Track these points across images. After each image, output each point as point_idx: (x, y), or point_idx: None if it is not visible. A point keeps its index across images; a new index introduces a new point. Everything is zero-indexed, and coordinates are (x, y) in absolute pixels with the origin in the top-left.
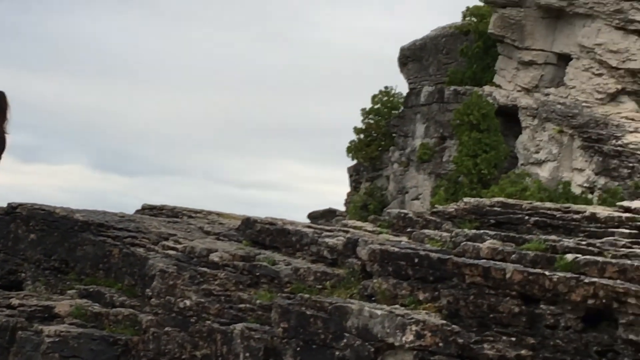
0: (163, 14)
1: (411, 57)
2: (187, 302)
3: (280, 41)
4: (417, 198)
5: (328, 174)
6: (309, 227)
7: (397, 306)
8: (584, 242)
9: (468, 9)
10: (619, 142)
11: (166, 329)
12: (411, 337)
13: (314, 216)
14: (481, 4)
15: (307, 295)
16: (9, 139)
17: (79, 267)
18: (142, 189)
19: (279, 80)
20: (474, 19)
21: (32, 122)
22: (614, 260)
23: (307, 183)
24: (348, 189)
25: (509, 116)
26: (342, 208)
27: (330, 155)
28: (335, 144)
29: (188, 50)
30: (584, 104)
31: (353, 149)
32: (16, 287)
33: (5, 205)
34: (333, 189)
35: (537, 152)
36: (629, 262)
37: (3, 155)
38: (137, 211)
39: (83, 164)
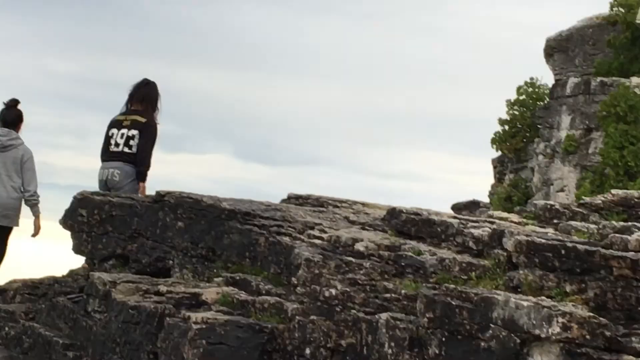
0: (304, 5)
1: (557, 48)
2: (333, 291)
3: (421, 32)
4: (562, 190)
5: (471, 166)
6: (454, 217)
7: (543, 298)
8: None
9: None
10: None
11: (311, 317)
12: (558, 329)
13: (457, 207)
14: None
15: (452, 286)
16: (160, 128)
17: (225, 255)
18: (286, 179)
19: (422, 71)
20: (622, 10)
21: (177, 111)
22: None
23: (450, 174)
24: (492, 181)
25: None
26: (486, 200)
27: (474, 147)
28: (478, 136)
29: (331, 41)
30: None
31: (497, 140)
32: (164, 274)
33: (153, 193)
34: (476, 180)
35: None
36: None
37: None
38: (283, 200)
39: (227, 154)
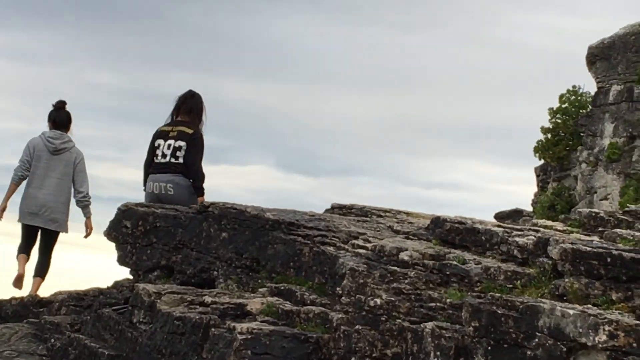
0: (347, 15)
1: (599, 56)
2: (378, 301)
3: (462, 41)
4: (605, 198)
5: (514, 174)
6: (499, 226)
7: (589, 306)
8: None
9: None
10: None
11: (357, 327)
12: (604, 337)
13: (500, 216)
14: None
15: (498, 295)
16: (205, 139)
17: (269, 265)
18: (328, 189)
19: (464, 80)
20: None
21: (219, 123)
22: None
23: (492, 183)
24: (535, 189)
25: None
26: (529, 208)
27: (517, 156)
28: (521, 144)
29: (373, 51)
30: None
31: (540, 149)
32: (208, 285)
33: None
34: (519, 189)
35: None
36: None
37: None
38: (327, 210)
39: (269, 165)
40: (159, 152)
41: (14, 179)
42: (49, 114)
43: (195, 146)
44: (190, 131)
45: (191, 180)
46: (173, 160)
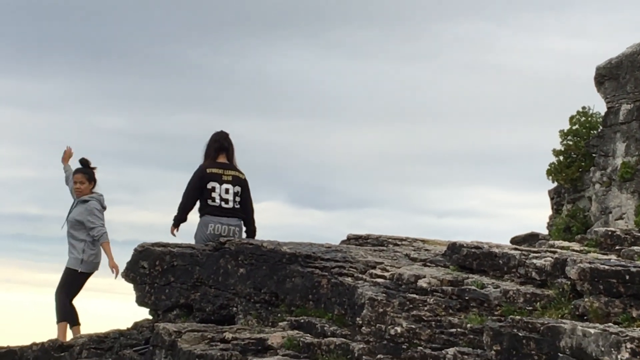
0: (351, 49)
1: (607, 76)
2: (398, 329)
3: (469, 69)
4: (620, 217)
5: (527, 199)
6: (515, 249)
7: (610, 324)
8: None
9: None
10: None
11: (378, 356)
12: (627, 355)
13: (516, 241)
14: None
15: (518, 317)
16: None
17: (288, 299)
18: (341, 222)
19: (470, 108)
20: None
21: None
22: None
23: (506, 208)
24: (549, 212)
25: None
26: (545, 231)
27: (529, 180)
28: (533, 168)
29: (380, 83)
30: None
31: (553, 171)
32: (228, 321)
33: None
34: (533, 213)
35: None
36: None
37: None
38: (343, 241)
39: (280, 201)
40: (216, 195)
41: (107, 237)
42: (91, 175)
43: (249, 191)
44: (242, 176)
45: (245, 225)
46: (237, 206)
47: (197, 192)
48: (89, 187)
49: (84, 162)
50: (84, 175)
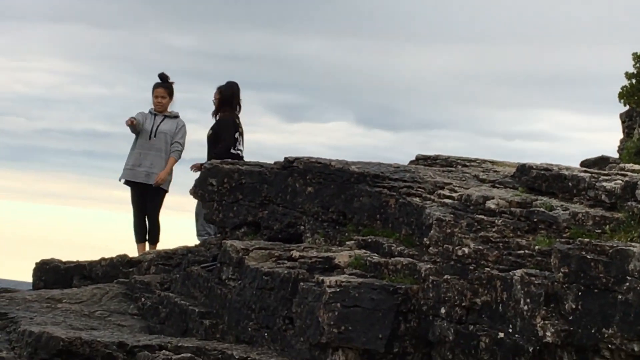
0: None
1: None
2: (465, 250)
3: None
4: None
5: (598, 122)
6: (585, 171)
7: None
8: None
9: None
10: None
11: (445, 276)
12: None
13: (586, 164)
14: None
15: (586, 240)
16: (281, 97)
17: (356, 218)
18: (408, 144)
19: (540, 28)
20: None
21: (296, 81)
22: None
23: (575, 132)
24: (620, 136)
25: None
26: (615, 155)
27: (600, 103)
28: (604, 91)
29: (448, 3)
30: None
31: (625, 94)
32: (296, 239)
33: (281, 160)
34: (604, 136)
35: None
36: None
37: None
38: (411, 162)
39: (348, 121)
40: (238, 145)
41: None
42: (171, 89)
43: None
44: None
45: None
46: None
47: (231, 142)
48: (169, 102)
49: (163, 77)
50: (166, 89)
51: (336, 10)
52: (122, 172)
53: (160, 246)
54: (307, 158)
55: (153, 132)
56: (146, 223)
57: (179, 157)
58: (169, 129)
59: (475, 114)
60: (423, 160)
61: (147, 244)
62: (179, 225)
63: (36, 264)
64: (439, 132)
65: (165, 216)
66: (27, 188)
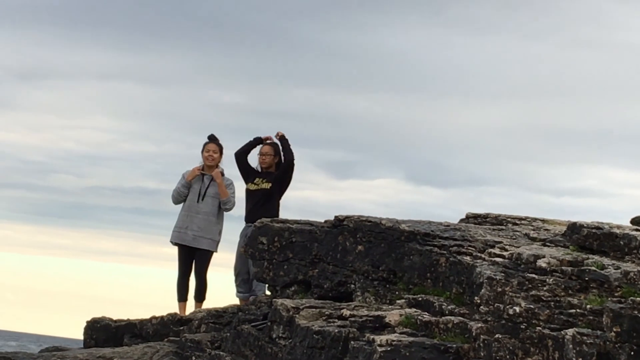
0: (466, 25)
1: None
2: (517, 309)
3: (583, 47)
4: None
5: None
6: (637, 230)
7: None
8: None
9: None
10: None
11: (496, 335)
12: None
13: (637, 221)
14: None
15: (639, 299)
16: (328, 155)
17: (406, 277)
18: (457, 200)
19: (591, 86)
20: None
21: (345, 138)
22: None
23: (625, 188)
24: None
25: None
26: None
27: None
28: None
29: (496, 60)
30: None
31: None
32: (346, 298)
33: (331, 217)
34: None
35: None
36: None
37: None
38: (461, 220)
39: (397, 178)
40: None
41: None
42: (222, 148)
43: None
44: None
45: None
46: None
47: None
48: (220, 159)
49: (213, 138)
50: (218, 146)
51: (383, 66)
52: (172, 234)
53: (207, 304)
54: (357, 216)
55: (201, 195)
56: (189, 283)
57: (232, 207)
58: (217, 192)
59: (524, 170)
60: (473, 218)
61: (187, 303)
62: (226, 282)
63: (87, 322)
64: (488, 189)
65: (214, 272)
66: (77, 245)
